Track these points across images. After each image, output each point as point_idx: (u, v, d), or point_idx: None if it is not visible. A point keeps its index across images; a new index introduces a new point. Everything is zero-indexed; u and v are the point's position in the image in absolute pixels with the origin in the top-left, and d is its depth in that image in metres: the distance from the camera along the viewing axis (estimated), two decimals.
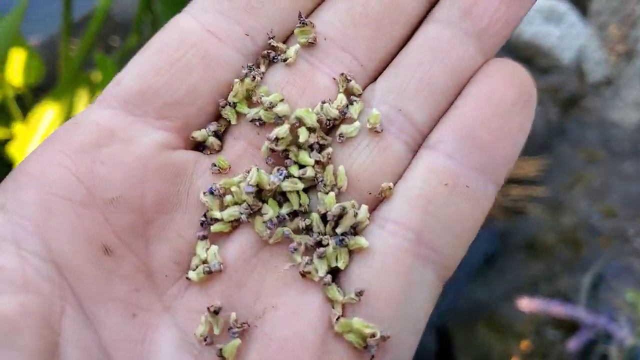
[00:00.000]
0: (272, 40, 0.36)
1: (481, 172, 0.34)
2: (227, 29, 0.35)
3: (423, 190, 0.33)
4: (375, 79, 0.38)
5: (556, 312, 1.19)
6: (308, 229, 0.35)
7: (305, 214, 0.35)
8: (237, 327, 0.31)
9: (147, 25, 1.07)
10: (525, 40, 1.67)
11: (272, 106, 0.35)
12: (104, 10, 0.86)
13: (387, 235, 0.33)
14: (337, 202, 0.34)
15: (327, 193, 0.35)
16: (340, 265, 0.33)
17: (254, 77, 0.36)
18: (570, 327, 1.22)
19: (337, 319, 0.31)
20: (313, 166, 0.35)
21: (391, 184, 0.35)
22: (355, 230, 0.34)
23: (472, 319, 1.36)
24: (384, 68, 0.38)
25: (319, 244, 0.34)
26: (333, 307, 0.32)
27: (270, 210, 0.34)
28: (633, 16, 1.85)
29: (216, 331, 0.31)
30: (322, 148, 0.36)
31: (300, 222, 0.34)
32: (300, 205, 0.35)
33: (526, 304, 1.22)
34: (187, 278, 0.32)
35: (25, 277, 0.29)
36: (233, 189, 0.34)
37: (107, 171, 0.31)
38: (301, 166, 0.35)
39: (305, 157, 0.35)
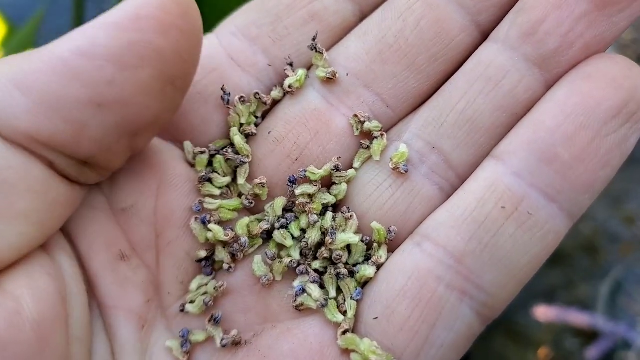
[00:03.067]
0: (289, 67, 0.34)
1: (552, 198, 0.29)
2: (251, 57, 0.34)
3: (475, 211, 0.29)
4: (404, 118, 0.34)
5: (574, 321, 1.17)
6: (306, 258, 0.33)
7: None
8: (227, 339, 0.30)
9: None
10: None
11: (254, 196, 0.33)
12: None
13: (420, 255, 0.29)
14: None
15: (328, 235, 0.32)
16: (347, 297, 0.31)
17: (261, 101, 0.34)
18: (589, 335, 1.19)
19: (344, 333, 0.30)
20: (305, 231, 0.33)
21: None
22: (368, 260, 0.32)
23: (488, 328, 1.34)
24: (418, 106, 0.33)
25: (317, 271, 0.33)
26: (339, 326, 0.30)
27: (258, 260, 0.32)
28: None
29: (218, 343, 0.30)
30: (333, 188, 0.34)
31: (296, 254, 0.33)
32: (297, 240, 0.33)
33: (544, 312, 1.20)
34: (182, 310, 0.31)
35: (60, 274, 0.28)
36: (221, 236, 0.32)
37: (124, 179, 0.31)
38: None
39: (303, 221, 0.33)
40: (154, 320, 0.31)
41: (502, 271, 0.28)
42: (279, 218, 0.33)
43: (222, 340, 0.30)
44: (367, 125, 0.33)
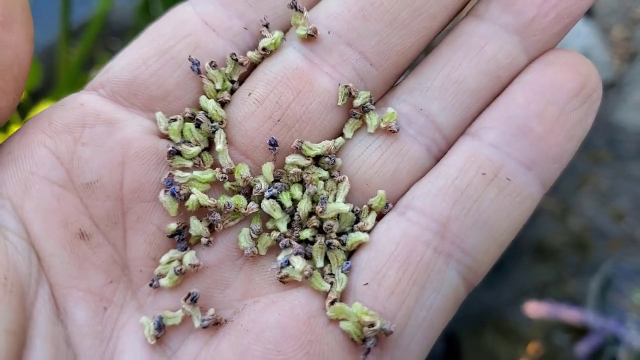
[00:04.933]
0: (265, 29, 0.33)
1: (528, 166, 0.31)
2: (227, 22, 0.33)
3: (457, 179, 0.30)
4: (392, 81, 0.34)
5: (564, 317, 1.17)
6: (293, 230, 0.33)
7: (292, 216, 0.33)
8: (208, 319, 0.29)
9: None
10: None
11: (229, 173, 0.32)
12: (103, 12, 0.85)
13: (406, 223, 0.30)
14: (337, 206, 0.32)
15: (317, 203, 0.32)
16: (334, 268, 0.31)
17: (238, 62, 0.33)
18: (579, 331, 1.20)
19: (332, 303, 0.29)
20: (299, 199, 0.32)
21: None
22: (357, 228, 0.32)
23: (479, 324, 1.34)
24: (405, 67, 0.34)
25: (305, 241, 0.32)
26: (326, 297, 0.30)
27: (245, 233, 0.32)
28: (636, 18, 1.84)
29: (196, 324, 0.29)
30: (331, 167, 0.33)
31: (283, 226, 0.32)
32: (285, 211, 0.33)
33: (534, 308, 1.20)
34: (152, 285, 0.30)
35: (6, 252, 0.27)
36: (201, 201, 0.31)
37: (88, 153, 0.30)
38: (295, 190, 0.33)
39: (295, 192, 0.33)
40: (122, 301, 0.30)
41: (485, 235, 0.30)
42: (269, 186, 0.32)
43: (202, 321, 0.29)
44: (356, 102, 0.33)
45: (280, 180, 0.33)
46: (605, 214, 1.40)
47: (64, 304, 0.28)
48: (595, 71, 0.32)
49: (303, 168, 0.32)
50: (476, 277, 0.31)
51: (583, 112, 0.31)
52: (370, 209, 0.32)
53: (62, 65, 0.94)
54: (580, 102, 0.31)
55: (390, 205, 0.32)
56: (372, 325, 0.28)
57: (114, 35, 1.40)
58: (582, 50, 1.68)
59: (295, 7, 0.33)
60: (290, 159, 0.32)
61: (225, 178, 0.32)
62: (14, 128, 0.92)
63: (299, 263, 0.30)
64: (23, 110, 0.99)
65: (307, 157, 0.32)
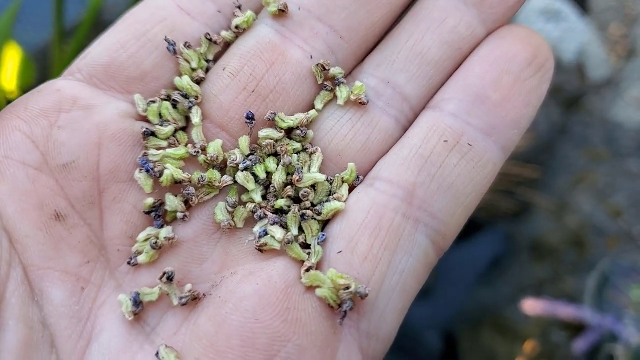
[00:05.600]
0: (237, 9, 0.35)
1: (487, 132, 0.32)
2: (200, 5, 0.35)
3: (421, 148, 0.32)
4: (361, 54, 0.35)
5: (562, 314, 1.17)
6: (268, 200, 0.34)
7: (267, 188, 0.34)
8: (185, 296, 0.29)
9: None
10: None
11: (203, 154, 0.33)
12: (95, 10, 0.85)
13: (374, 193, 0.32)
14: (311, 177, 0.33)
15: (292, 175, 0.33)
16: (308, 237, 0.32)
17: (212, 41, 0.34)
18: (576, 328, 1.20)
19: (307, 270, 0.30)
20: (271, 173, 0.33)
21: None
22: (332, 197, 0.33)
23: (477, 321, 1.34)
24: (373, 41, 0.35)
25: (279, 211, 0.33)
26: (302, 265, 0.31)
27: (221, 206, 0.32)
28: (633, 15, 1.84)
29: (174, 301, 0.29)
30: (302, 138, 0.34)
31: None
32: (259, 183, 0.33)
33: (531, 305, 1.20)
34: (130, 263, 0.30)
35: None
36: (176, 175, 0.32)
37: (64, 136, 0.30)
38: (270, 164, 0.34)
39: (270, 164, 0.33)
40: (99, 280, 0.30)
41: (451, 199, 0.31)
42: (245, 157, 0.33)
43: (180, 299, 0.29)
44: (332, 71, 0.34)
45: (255, 153, 0.33)
46: (602, 211, 1.40)
47: (39, 285, 0.28)
48: (545, 43, 0.34)
49: (276, 141, 0.33)
50: (445, 241, 0.32)
51: (537, 79, 0.33)
52: (342, 180, 0.33)
53: (56, 64, 0.93)
54: (533, 71, 0.33)
55: (360, 177, 0.33)
56: (347, 287, 0.29)
57: None
58: (579, 48, 1.68)
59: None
60: (263, 132, 0.33)
61: (197, 152, 0.32)
62: None
63: (278, 232, 0.31)
64: None
65: (279, 129, 0.33)
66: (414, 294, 0.32)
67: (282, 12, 0.34)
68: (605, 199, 1.42)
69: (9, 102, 0.99)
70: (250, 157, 0.33)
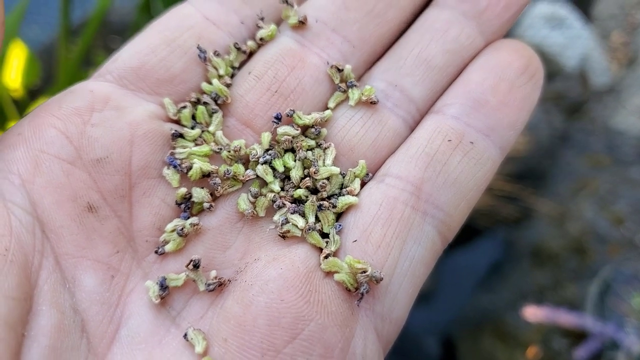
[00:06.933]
0: (260, 21, 0.38)
1: (487, 133, 0.36)
2: (225, 17, 0.38)
3: (427, 147, 0.35)
4: (371, 61, 0.39)
5: (563, 321, 1.17)
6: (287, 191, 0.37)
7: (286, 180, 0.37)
8: (212, 282, 0.32)
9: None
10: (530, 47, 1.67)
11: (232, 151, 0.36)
12: (103, 10, 0.85)
13: (385, 188, 0.35)
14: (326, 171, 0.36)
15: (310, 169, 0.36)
16: (325, 227, 0.34)
17: (240, 50, 0.38)
18: (577, 335, 1.20)
19: (326, 257, 0.32)
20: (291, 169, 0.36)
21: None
22: (345, 191, 0.36)
23: (476, 327, 1.34)
24: (381, 51, 0.39)
25: (297, 201, 0.36)
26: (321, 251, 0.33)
27: (244, 197, 0.35)
28: (635, 23, 1.84)
29: (201, 287, 0.32)
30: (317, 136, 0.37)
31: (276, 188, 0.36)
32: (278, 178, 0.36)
33: (532, 312, 1.20)
34: (157, 252, 0.33)
35: (10, 226, 0.29)
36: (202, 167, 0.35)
37: (98, 133, 0.32)
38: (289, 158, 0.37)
39: (288, 160, 0.36)
40: (128, 270, 0.32)
41: (455, 193, 0.34)
42: (264, 152, 0.36)
43: (208, 285, 0.32)
44: (345, 72, 0.37)
45: (274, 148, 0.36)
46: (604, 218, 1.40)
47: (72, 273, 0.30)
48: (535, 55, 0.38)
49: (293, 137, 0.36)
50: (450, 231, 0.35)
51: (530, 86, 0.37)
52: (355, 175, 0.36)
53: (62, 62, 0.93)
54: (527, 78, 0.37)
55: (370, 174, 0.36)
56: (364, 272, 0.31)
57: (114, 34, 1.39)
58: (582, 55, 1.69)
59: (287, 1, 0.39)
60: (281, 129, 0.36)
61: (221, 149, 0.35)
62: (12, 124, 0.92)
63: (300, 221, 0.34)
64: (21, 107, 0.99)
65: (297, 126, 0.36)
66: (423, 280, 0.34)
67: (302, 24, 0.38)
68: (607, 206, 1.43)
69: (14, 100, 0.99)
70: (270, 152, 0.36)
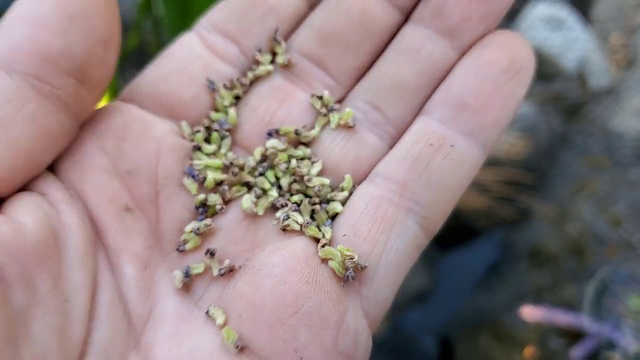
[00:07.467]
0: (258, 53, 0.43)
1: (468, 135, 0.38)
2: (225, 48, 0.43)
3: (411, 149, 0.38)
4: (351, 86, 0.42)
5: (560, 321, 1.18)
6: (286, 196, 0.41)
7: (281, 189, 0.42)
8: (223, 268, 0.37)
9: (147, 27, 1.07)
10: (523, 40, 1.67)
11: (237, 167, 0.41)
12: None
13: (374, 187, 0.39)
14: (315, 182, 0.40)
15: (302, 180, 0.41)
16: (319, 224, 0.39)
17: (242, 84, 0.43)
18: (574, 335, 1.20)
19: (323, 246, 0.37)
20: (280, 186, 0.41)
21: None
22: (333, 200, 0.40)
23: (474, 328, 1.35)
24: (361, 77, 0.42)
25: (297, 204, 0.40)
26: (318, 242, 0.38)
27: (246, 198, 0.40)
28: (633, 25, 1.85)
29: (215, 272, 0.37)
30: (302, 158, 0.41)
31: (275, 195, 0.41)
32: (275, 184, 0.41)
33: (529, 312, 1.21)
34: (179, 250, 0.38)
35: (81, 223, 0.35)
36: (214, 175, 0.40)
37: (129, 147, 0.38)
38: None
39: (278, 171, 0.41)
40: (156, 264, 0.37)
41: (436, 192, 0.38)
42: (257, 164, 0.41)
43: (220, 270, 0.37)
44: (324, 99, 0.41)
45: (265, 161, 0.42)
46: (603, 219, 1.41)
47: (116, 262, 0.36)
48: (525, 48, 0.39)
49: (279, 150, 0.41)
50: (433, 225, 0.38)
51: (514, 84, 0.38)
52: (343, 188, 0.40)
53: None
54: (510, 76, 0.38)
55: (356, 185, 0.40)
56: (352, 258, 0.36)
57: None
58: (581, 56, 1.69)
59: (276, 39, 0.43)
60: (269, 143, 0.41)
61: (232, 164, 0.41)
62: None
63: (299, 217, 0.39)
64: None
65: (284, 140, 0.41)
66: (408, 268, 0.38)
67: (286, 66, 0.42)
68: (606, 207, 1.43)
69: None
70: (263, 164, 0.41)
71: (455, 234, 1.44)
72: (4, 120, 0.32)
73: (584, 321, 1.17)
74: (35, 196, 0.35)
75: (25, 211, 0.33)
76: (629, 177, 1.49)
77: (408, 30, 0.41)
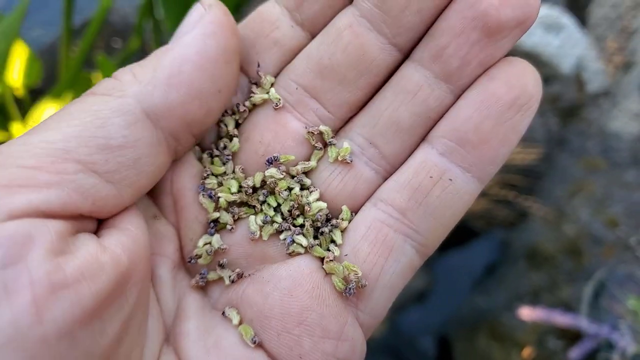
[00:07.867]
0: (254, 86, 0.43)
1: (467, 169, 0.39)
2: None
3: (412, 179, 0.40)
4: (346, 119, 0.43)
5: (558, 322, 1.18)
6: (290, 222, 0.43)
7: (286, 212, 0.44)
8: (232, 274, 0.40)
9: (148, 29, 1.07)
10: (526, 51, 1.68)
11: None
12: (105, 9, 0.85)
13: (376, 211, 0.41)
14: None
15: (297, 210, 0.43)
16: (324, 246, 0.41)
17: (243, 110, 0.44)
18: (572, 336, 1.20)
19: (329, 261, 0.40)
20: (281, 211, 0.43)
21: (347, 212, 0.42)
22: (335, 227, 0.42)
23: (472, 328, 1.35)
24: (357, 111, 0.43)
25: (300, 226, 0.43)
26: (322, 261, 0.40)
27: (253, 220, 0.42)
28: (630, 28, 1.86)
29: (227, 281, 0.41)
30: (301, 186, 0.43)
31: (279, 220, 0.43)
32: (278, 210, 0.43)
33: (527, 313, 1.21)
34: (190, 262, 0.41)
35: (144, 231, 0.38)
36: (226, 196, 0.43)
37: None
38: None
39: (278, 197, 0.43)
40: (180, 265, 0.42)
41: (433, 221, 0.40)
42: (256, 189, 0.43)
43: (230, 277, 0.41)
44: (322, 133, 0.42)
45: (265, 187, 0.43)
46: (600, 221, 1.41)
47: (153, 265, 0.40)
48: (534, 80, 0.38)
49: (277, 179, 0.42)
50: (428, 250, 0.41)
51: (516, 120, 0.38)
52: (342, 219, 0.42)
53: (63, 63, 0.94)
54: (514, 112, 0.38)
55: (354, 214, 0.42)
56: (357, 273, 0.39)
57: (116, 35, 1.40)
58: (578, 59, 1.70)
59: (256, 83, 0.44)
60: (268, 172, 0.42)
61: (241, 186, 0.43)
62: (15, 125, 0.92)
63: (304, 240, 0.41)
64: (23, 108, 0.99)
65: (283, 168, 0.42)
66: (401, 287, 0.41)
67: (277, 106, 0.43)
68: (603, 209, 1.44)
69: (16, 99, 1.00)
70: (262, 191, 0.43)
71: (453, 234, 1.44)
72: (139, 162, 0.36)
73: (581, 322, 1.17)
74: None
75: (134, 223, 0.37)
76: (625, 178, 1.49)
77: (407, 71, 0.41)
